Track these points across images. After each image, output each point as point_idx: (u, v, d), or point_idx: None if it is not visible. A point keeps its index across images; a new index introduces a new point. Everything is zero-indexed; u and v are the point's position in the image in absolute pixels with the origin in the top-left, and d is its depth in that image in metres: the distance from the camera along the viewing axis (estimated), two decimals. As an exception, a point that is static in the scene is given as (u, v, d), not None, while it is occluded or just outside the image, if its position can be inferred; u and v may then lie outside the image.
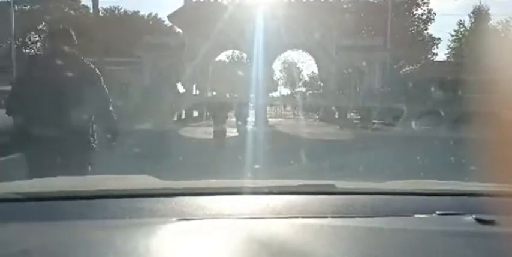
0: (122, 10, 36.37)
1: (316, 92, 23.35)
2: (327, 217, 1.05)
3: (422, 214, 1.08)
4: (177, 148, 8.08)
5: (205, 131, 12.89)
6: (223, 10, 19.53)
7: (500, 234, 0.98)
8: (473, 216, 1.03)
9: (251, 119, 15.14)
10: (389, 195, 1.27)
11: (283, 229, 0.99)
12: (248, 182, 1.55)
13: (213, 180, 1.59)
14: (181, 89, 21.93)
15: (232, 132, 12.17)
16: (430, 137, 10.32)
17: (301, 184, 1.35)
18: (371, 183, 1.58)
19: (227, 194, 1.24)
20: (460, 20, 34.26)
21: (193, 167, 5.44)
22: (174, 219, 1.01)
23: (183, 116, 18.46)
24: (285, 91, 24.82)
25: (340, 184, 1.39)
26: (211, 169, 5.21)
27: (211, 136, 10.91)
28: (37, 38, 36.55)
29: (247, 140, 10.25)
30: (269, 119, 18.50)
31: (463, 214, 1.06)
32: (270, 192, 1.27)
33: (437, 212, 1.08)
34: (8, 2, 24.05)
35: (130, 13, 36.48)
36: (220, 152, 8.21)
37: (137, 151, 7.13)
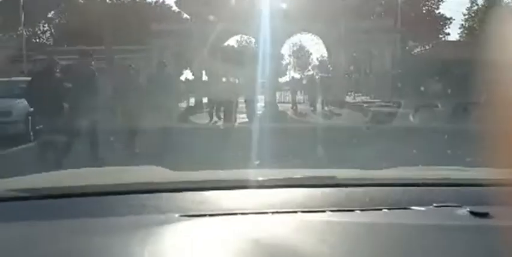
0: (129, -3, 36.16)
1: (325, 75, 23.14)
2: (325, 211, 1.07)
3: (419, 206, 1.10)
4: (186, 136, 8.12)
5: (210, 120, 12.97)
6: (231, -5, 19.35)
7: (494, 227, 0.99)
8: (468, 209, 1.05)
9: (261, 104, 15.10)
10: (389, 186, 1.29)
11: (283, 224, 1.01)
12: (250, 175, 1.57)
13: (215, 171, 1.62)
14: (190, 75, 21.92)
15: (242, 118, 12.18)
16: (440, 120, 10.22)
17: (301, 176, 1.38)
18: (372, 171, 1.60)
19: (228, 188, 1.25)
20: (473, -2, 33.42)
21: (201, 156, 5.49)
22: (177, 215, 1.03)
23: (192, 104, 18.49)
24: (295, 75, 24.72)
25: (341, 174, 1.41)
26: (218, 157, 5.24)
27: (221, 123, 10.97)
28: (47, 27, 36.62)
29: (257, 126, 10.24)
30: (279, 104, 18.43)
31: (459, 207, 1.07)
32: (271, 185, 1.28)
33: (434, 205, 1.10)
34: (16, -10, 24.10)
35: (138, 0, 36.26)
36: (228, 139, 8.24)
37: (144, 142, 7.23)
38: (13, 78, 11.09)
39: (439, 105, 12.16)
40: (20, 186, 1.28)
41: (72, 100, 6.04)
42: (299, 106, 18.72)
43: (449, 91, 13.17)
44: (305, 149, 6.32)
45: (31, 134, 8.56)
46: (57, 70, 6.28)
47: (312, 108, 17.80)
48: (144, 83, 8.21)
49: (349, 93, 23.65)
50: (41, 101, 6.10)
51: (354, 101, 21.75)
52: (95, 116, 6.46)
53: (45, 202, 1.16)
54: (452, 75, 14.34)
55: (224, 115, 11.76)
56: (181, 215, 1.03)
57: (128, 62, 18.75)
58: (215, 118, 13.06)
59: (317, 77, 22.22)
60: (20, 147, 7.75)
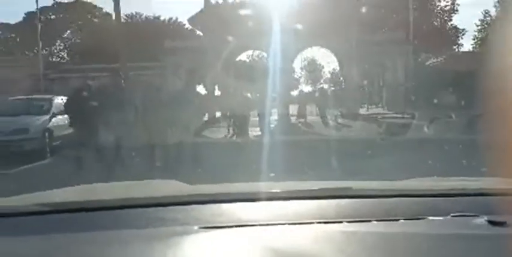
0: (143, 16, 36.91)
1: (338, 88, 23.13)
2: (342, 222, 1.07)
3: (436, 216, 1.10)
4: (202, 151, 8.16)
5: (227, 133, 12.98)
6: (242, 11, 19.61)
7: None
8: (485, 218, 1.04)
9: (273, 117, 15.11)
10: (405, 197, 1.28)
11: (301, 235, 1.01)
12: (266, 187, 1.58)
13: (233, 184, 1.64)
14: (203, 91, 22.10)
15: (255, 131, 12.20)
16: (454, 131, 10.07)
17: (317, 188, 1.38)
18: (387, 182, 1.60)
19: (245, 200, 1.26)
20: (486, 10, 33.33)
21: (218, 170, 5.51)
22: (195, 227, 1.04)
23: (206, 118, 18.59)
24: (307, 89, 24.77)
25: (357, 185, 1.41)
26: (234, 170, 5.25)
27: (234, 138, 10.97)
28: (62, 47, 37.44)
29: (270, 139, 10.23)
30: (291, 117, 18.42)
31: (476, 216, 1.07)
32: (288, 197, 1.29)
33: (451, 214, 1.09)
34: (34, 12, 24.78)
35: (151, 18, 36.95)
36: (243, 153, 8.25)
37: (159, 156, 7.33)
38: (30, 96, 11.33)
39: (453, 116, 12.03)
40: (42, 201, 1.29)
41: (108, 117, 6.57)
42: (312, 119, 18.67)
43: (463, 102, 13.02)
44: (320, 161, 6.28)
45: (47, 150, 8.69)
46: (92, 90, 6.75)
47: (325, 120, 17.74)
48: (168, 100, 8.54)
49: (362, 106, 23.57)
50: (80, 119, 6.73)
51: (367, 113, 21.64)
52: (126, 131, 6.92)
53: (65, 215, 1.18)
54: (465, 86, 14.20)
55: (238, 129, 11.79)
56: (200, 227, 1.04)
57: (148, 79, 19.14)
58: (231, 132, 13.10)
59: (330, 89, 22.21)
60: (37, 163, 7.85)
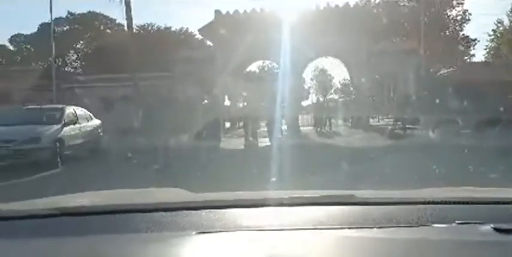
0: (155, 26, 37.40)
1: (348, 98, 23.10)
2: (344, 228, 1.06)
3: (441, 223, 1.09)
4: (210, 159, 8.19)
5: (237, 143, 13.00)
6: (253, 21, 19.75)
7: None
8: (492, 225, 1.03)
9: (284, 127, 15.10)
10: (408, 205, 1.27)
11: (301, 241, 1.01)
12: (269, 194, 1.58)
13: (236, 192, 1.63)
14: (214, 100, 22.25)
15: (264, 142, 12.18)
16: (475, 142, 9.96)
17: (321, 195, 1.37)
18: (391, 192, 1.59)
19: (248, 207, 1.26)
20: (498, 19, 33.08)
21: (224, 178, 5.50)
22: (193, 232, 1.04)
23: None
24: (317, 99, 24.79)
25: (361, 194, 1.39)
26: (240, 179, 5.25)
27: (243, 147, 10.97)
28: (75, 57, 38.01)
29: (279, 150, 10.22)
30: (301, 128, 18.38)
31: (482, 223, 1.06)
32: (288, 204, 1.28)
33: (456, 222, 1.08)
34: (48, 23, 25.24)
35: (162, 29, 37.43)
36: (250, 163, 8.25)
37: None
38: (43, 106, 11.47)
39: (460, 121, 12.02)
40: (50, 205, 1.34)
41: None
42: (321, 129, 18.64)
43: (473, 110, 12.90)
44: (331, 170, 6.26)
45: (59, 160, 8.76)
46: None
47: (335, 130, 17.69)
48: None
49: (373, 116, 23.44)
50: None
51: (378, 123, 21.53)
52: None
53: (72, 219, 1.21)
54: (478, 96, 14.07)
55: (245, 142, 11.81)
56: (198, 232, 1.04)
57: (156, 94, 19.41)
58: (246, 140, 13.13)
59: (340, 100, 22.15)
60: (48, 172, 7.91)
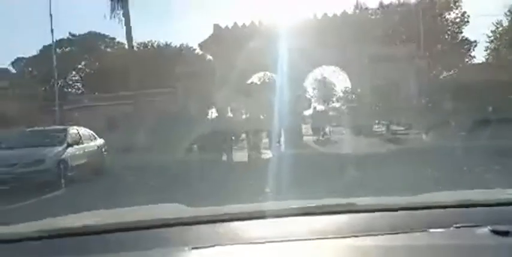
0: (155, 43, 37.72)
1: (350, 106, 23.09)
2: (346, 237, 1.07)
3: (439, 228, 1.10)
4: (213, 172, 8.19)
5: (240, 155, 12.99)
6: (251, 34, 19.89)
7: None
8: (489, 227, 1.04)
9: (286, 137, 15.07)
10: (406, 210, 1.28)
11: (302, 252, 1.01)
12: (268, 206, 1.57)
13: (235, 205, 1.62)
14: (215, 113, 22.36)
15: (266, 153, 12.15)
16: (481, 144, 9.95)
17: (321, 204, 1.37)
18: (391, 198, 1.61)
19: (246, 219, 1.26)
20: (498, 20, 33.05)
21: (226, 191, 5.50)
22: (186, 248, 1.04)
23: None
24: (320, 108, 24.75)
25: (362, 201, 1.41)
26: (242, 190, 5.25)
27: (246, 159, 10.94)
28: (77, 77, 38.33)
29: (281, 162, 10.21)
30: (305, 137, 18.35)
31: (479, 226, 1.06)
32: (289, 214, 1.28)
33: (454, 226, 1.09)
34: (49, 45, 25.53)
35: (162, 45, 37.74)
36: (253, 174, 8.24)
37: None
38: (46, 128, 11.53)
39: (453, 123, 12.07)
40: (44, 227, 1.34)
41: None
42: (322, 137, 18.58)
43: (473, 112, 12.89)
44: (331, 179, 6.24)
45: (62, 181, 8.76)
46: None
47: (336, 138, 17.65)
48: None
49: (376, 122, 23.34)
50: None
51: (380, 129, 21.45)
52: None
53: (69, 239, 1.21)
54: (480, 98, 14.05)
55: (248, 154, 11.80)
56: (192, 248, 1.04)
57: (159, 110, 19.59)
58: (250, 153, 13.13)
59: (343, 108, 22.12)
60: (52, 194, 7.91)
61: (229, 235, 1.15)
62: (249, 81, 25.97)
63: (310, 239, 1.06)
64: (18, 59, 37.02)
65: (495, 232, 1.02)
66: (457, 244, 1.01)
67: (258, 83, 29.92)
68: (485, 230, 1.04)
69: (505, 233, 1.01)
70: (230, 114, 20.55)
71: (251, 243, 1.06)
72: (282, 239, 1.07)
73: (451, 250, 0.98)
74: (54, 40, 24.22)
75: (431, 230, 1.09)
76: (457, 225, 1.09)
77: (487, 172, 6.22)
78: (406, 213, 1.25)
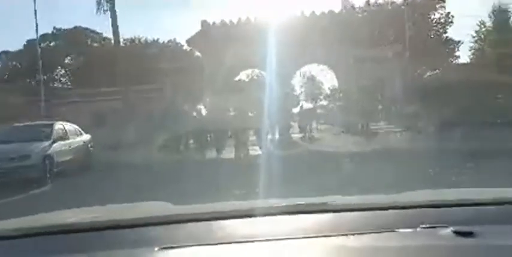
0: (142, 39, 37.38)
1: (337, 104, 23.26)
2: (313, 237, 1.08)
3: (407, 228, 1.10)
4: (199, 169, 8.21)
5: (227, 152, 13.03)
6: (240, 31, 19.91)
7: (477, 246, 1.00)
8: (451, 228, 1.05)
9: (274, 135, 15.12)
10: (376, 210, 1.29)
11: (273, 251, 1.02)
12: (253, 204, 1.58)
13: (213, 204, 1.63)
14: (203, 110, 22.31)
15: (255, 150, 12.20)
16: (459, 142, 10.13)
17: (294, 203, 1.38)
18: (366, 196, 1.63)
19: (219, 219, 1.26)
20: (481, 21, 33.49)
21: (208, 189, 5.55)
22: (155, 248, 1.03)
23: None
24: (307, 105, 24.77)
25: (334, 201, 1.41)
26: (225, 188, 5.30)
27: (233, 156, 10.96)
28: (63, 72, 37.83)
29: (269, 158, 10.27)
30: (293, 135, 18.42)
31: (444, 227, 1.07)
32: (262, 214, 1.28)
33: (421, 226, 1.10)
34: (34, 39, 25.17)
35: (150, 41, 37.41)
36: (238, 172, 8.28)
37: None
38: (32, 123, 11.40)
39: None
40: (15, 226, 1.32)
41: None
42: (308, 135, 18.69)
43: (457, 112, 13.12)
44: (317, 176, 6.33)
45: (48, 176, 8.71)
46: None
47: (321, 135, 17.79)
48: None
49: (362, 120, 23.53)
50: None
51: (367, 128, 21.64)
52: None
53: (52, 237, 1.20)
54: (463, 97, 14.29)
55: (235, 151, 11.83)
56: (175, 246, 1.03)
57: (146, 107, 19.45)
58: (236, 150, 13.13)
59: (330, 106, 22.26)
60: (38, 190, 7.86)
61: (213, 233, 1.14)
62: (237, 78, 25.97)
63: (281, 239, 1.07)
64: (3, 53, 36.41)
65: (458, 233, 1.02)
66: (420, 245, 1.01)
67: (246, 80, 29.89)
68: (448, 231, 1.04)
69: (467, 234, 1.01)
70: (217, 111, 20.55)
71: (233, 242, 1.06)
72: (264, 238, 1.07)
73: (415, 251, 0.99)
74: (39, 35, 23.94)
75: (399, 230, 1.09)
76: (424, 226, 1.09)
77: (456, 171, 6.39)
78: (375, 213, 1.25)
